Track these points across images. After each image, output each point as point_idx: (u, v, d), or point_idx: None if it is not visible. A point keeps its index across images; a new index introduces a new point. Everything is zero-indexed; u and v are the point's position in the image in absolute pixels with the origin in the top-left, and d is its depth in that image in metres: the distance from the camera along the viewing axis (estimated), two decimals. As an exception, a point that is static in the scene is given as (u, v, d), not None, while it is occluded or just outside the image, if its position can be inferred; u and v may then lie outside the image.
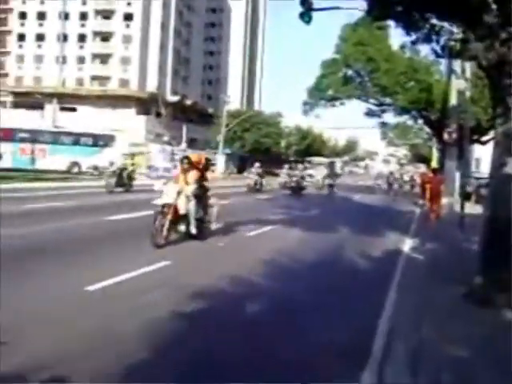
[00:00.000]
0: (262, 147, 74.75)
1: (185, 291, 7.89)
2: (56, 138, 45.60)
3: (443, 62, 31.59)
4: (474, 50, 8.40)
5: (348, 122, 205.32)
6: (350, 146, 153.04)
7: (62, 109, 75.15)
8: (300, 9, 17.23)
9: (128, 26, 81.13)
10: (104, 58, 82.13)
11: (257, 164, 35.73)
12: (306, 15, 17.01)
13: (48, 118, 68.77)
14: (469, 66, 19.77)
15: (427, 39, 10.83)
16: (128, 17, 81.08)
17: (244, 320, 7.07)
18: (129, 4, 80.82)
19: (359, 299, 8.47)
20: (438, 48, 11.09)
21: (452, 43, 10.65)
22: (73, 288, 7.74)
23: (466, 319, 7.19)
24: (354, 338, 6.49)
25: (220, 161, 69.05)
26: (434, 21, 9.84)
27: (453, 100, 22.24)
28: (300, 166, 44.08)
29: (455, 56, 11.94)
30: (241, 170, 78.34)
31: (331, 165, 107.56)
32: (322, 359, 5.76)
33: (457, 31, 10.02)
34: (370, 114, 43.91)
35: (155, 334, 6.12)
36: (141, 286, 8.15)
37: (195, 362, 5.44)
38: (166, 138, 68.31)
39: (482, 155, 44.66)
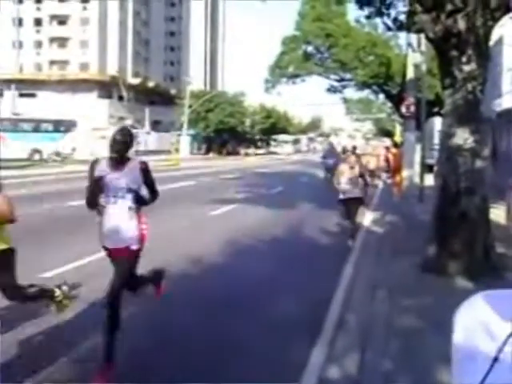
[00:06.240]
0: (226, 127, 74.52)
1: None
2: (16, 124, 44.70)
3: (402, 35, 31.69)
4: (421, 23, 8.44)
5: (312, 99, 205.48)
6: (315, 123, 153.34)
7: (21, 95, 73.63)
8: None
9: (85, 8, 79.62)
10: (62, 42, 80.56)
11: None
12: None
13: (7, 104, 67.28)
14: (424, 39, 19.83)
15: (379, 13, 10.90)
16: (84, -1, 79.49)
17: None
18: (85, -14, 79.26)
19: (317, 272, 8.60)
20: (389, 22, 11.18)
21: (402, 16, 10.74)
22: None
23: (417, 288, 7.34)
24: (309, 308, 6.63)
25: (184, 142, 68.67)
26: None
27: (410, 73, 22.38)
28: None
29: (406, 29, 11.97)
30: (207, 151, 78.18)
31: (296, 142, 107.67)
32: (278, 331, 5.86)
33: (405, 4, 10.11)
34: (331, 90, 43.94)
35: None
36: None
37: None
38: (129, 122, 67.36)
39: (443, 127, 45.22)
